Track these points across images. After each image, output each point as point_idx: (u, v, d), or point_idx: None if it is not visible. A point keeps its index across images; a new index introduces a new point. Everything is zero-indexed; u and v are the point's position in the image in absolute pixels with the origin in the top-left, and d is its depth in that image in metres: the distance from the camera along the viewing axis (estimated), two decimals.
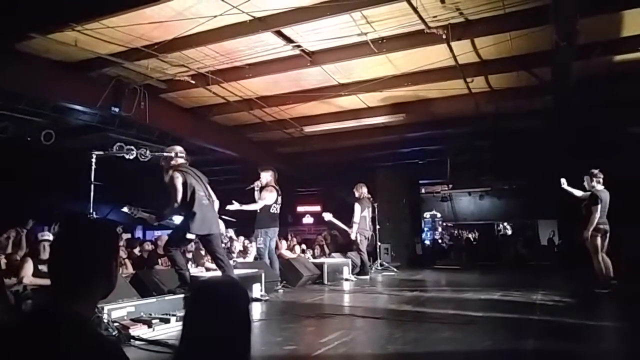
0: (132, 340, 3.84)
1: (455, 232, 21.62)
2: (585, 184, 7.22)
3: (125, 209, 5.66)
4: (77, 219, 1.76)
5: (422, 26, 6.58)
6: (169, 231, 14.14)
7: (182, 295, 5.08)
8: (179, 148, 5.75)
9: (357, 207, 9.74)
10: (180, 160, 5.61)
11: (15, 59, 6.96)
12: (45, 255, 5.68)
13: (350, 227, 9.68)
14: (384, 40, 7.19)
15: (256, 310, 5.52)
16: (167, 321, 4.39)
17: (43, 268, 5.56)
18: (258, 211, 7.53)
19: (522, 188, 14.68)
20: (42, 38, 6.51)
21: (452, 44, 7.08)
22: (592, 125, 9.81)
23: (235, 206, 7.28)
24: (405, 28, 6.85)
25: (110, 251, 1.58)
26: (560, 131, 10.30)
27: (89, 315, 1.53)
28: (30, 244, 6.76)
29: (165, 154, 5.61)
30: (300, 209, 16.67)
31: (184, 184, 5.35)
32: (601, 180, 7.10)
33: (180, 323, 4.15)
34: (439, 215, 18.65)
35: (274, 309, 5.72)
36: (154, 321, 4.29)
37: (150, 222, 5.99)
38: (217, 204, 5.81)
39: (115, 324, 3.97)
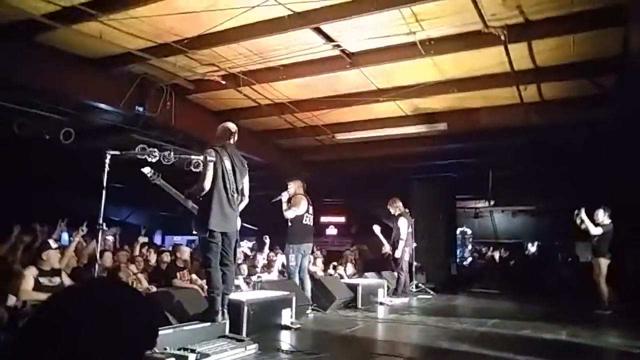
0: None
1: (484, 249, 20.69)
2: (598, 216, 7.80)
3: (145, 170, 4.98)
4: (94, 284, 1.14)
5: (479, 26, 5.96)
6: (189, 237, 13.63)
7: (206, 325, 4.44)
8: (230, 125, 5.12)
9: (403, 221, 9.07)
10: (230, 140, 5.02)
11: (36, 51, 6.50)
12: (47, 265, 5.11)
13: (395, 244, 8.97)
14: (432, 42, 6.54)
15: (286, 342, 4.84)
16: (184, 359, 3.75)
17: (44, 281, 4.96)
18: (289, 224, 6.90)
19: (561, 208, 13.73)
20: (64, 29, 6.03)
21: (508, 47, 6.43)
22: None
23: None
24: (459, 28, 6.21)
25: (144, 343, 1.05)
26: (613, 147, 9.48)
27: None
28: (31, 252, 6.14)
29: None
30: (324, 219, 15.98)
31: (215, 166, 4.70)
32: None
33: None
34: (469, 231, 17.82)
35: (308, 343, 5.01)
36: None
37: (170, 193, 5.27)
38: (245, 202, 5.11)
39: None
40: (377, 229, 9.26)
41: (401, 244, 8.92)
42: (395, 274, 9.19)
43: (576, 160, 10.44)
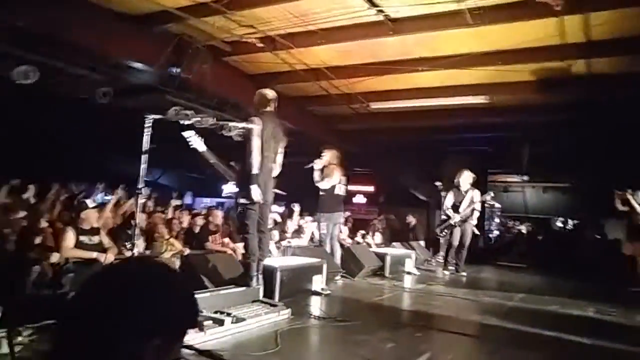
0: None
1: (511, 223, 20.52)
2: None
3: (186, 134, 4.94)
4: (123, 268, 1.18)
5: None
6: (219, 200, 13.76)
7: (241, 289, 4.50)
8: (268, 92, 5.14)
9: (477, 194, 8.59)
10: (268, 108, 5.03)
11: (72, 6, 6.40)
12: (86, 224, 5.22)
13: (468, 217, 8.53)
14: (481, 11, 6.24)
15: (317, 308, 4.90)
16: (221, 323, 3.79)
17: (85, 239, 5.09)
18: (321, 193, 6.94)
19: (592, 185, 13.34)
20: None
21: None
22: None
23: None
24: None
25: (186, 323, 1.05)
26: None
27: None
28: (71, 210, 6.32)
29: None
30: (352, 187, 15.92)
31: (259, 136, 4.74)
32: None
33: (237, 325, 3.47)
34: (497, 205, 17.59)
35: (338, 309, 5.10)
36: (206, 322, 3.69)
37: (206, 157, 5.20)
38: (277, 171, 5.13)
39: None
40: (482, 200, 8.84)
41: (476, 214, 8.52)
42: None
43: (615, 139, 10.05)
